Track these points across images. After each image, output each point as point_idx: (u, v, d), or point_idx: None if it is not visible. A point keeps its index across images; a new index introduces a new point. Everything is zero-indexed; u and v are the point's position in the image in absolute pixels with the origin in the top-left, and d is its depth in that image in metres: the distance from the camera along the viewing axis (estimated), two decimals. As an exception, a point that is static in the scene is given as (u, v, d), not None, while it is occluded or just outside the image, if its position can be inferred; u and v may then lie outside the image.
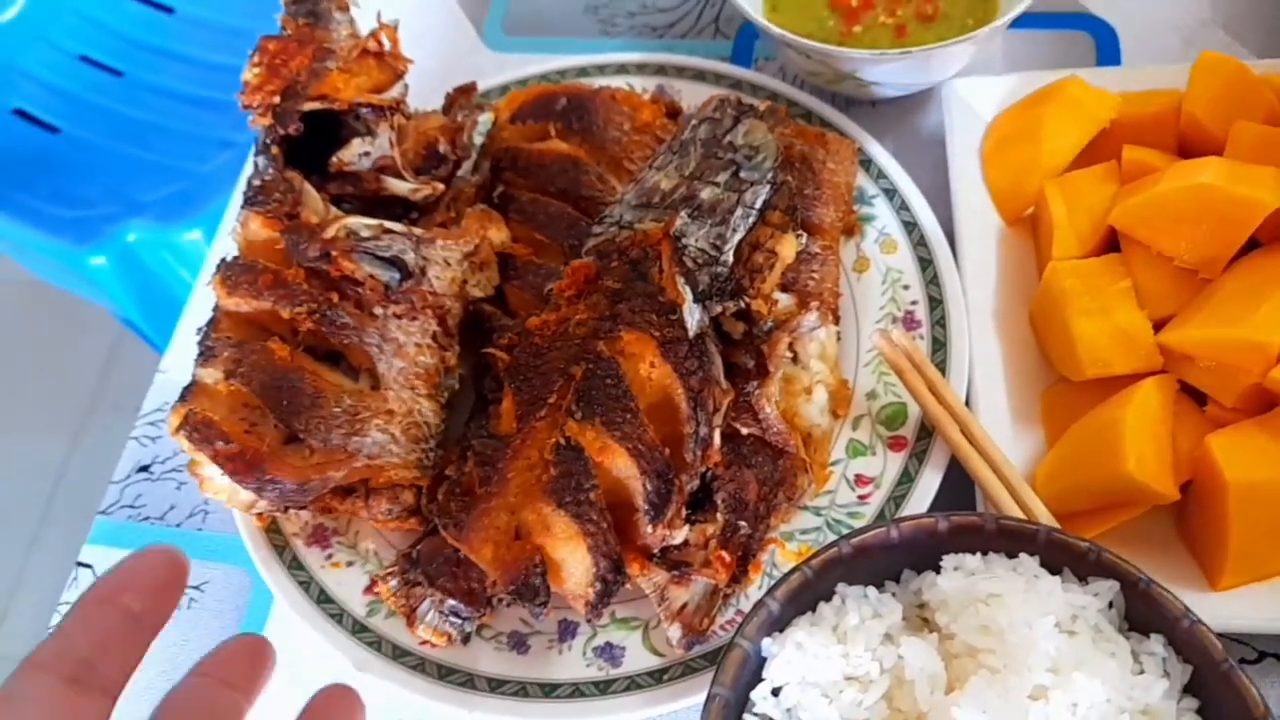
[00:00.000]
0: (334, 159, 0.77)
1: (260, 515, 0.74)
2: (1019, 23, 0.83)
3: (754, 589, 0.70)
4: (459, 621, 0.68)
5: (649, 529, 0.65)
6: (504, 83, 0.96)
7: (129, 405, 0.89)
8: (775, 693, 0.55)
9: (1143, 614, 0.55)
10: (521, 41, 1.06)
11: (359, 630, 0.71)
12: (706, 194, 0.75)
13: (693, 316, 0.68)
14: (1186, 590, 0.61)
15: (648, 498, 0.64)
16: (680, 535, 0.66)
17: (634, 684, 0.67)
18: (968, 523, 0.58)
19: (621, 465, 0.64)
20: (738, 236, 0.72)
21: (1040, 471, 0.70)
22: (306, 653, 0.71)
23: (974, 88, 0.86)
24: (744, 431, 0.70)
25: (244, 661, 0.44)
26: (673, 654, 0.68)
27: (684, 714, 0.67)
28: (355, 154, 0.78)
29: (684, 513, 0.66)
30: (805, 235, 0.77)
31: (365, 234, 0.74)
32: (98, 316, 1.71)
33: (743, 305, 0.70)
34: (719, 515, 0.67)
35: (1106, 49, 0.94)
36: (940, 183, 0.84)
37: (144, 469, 0.86)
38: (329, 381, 0.71)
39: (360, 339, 0.71)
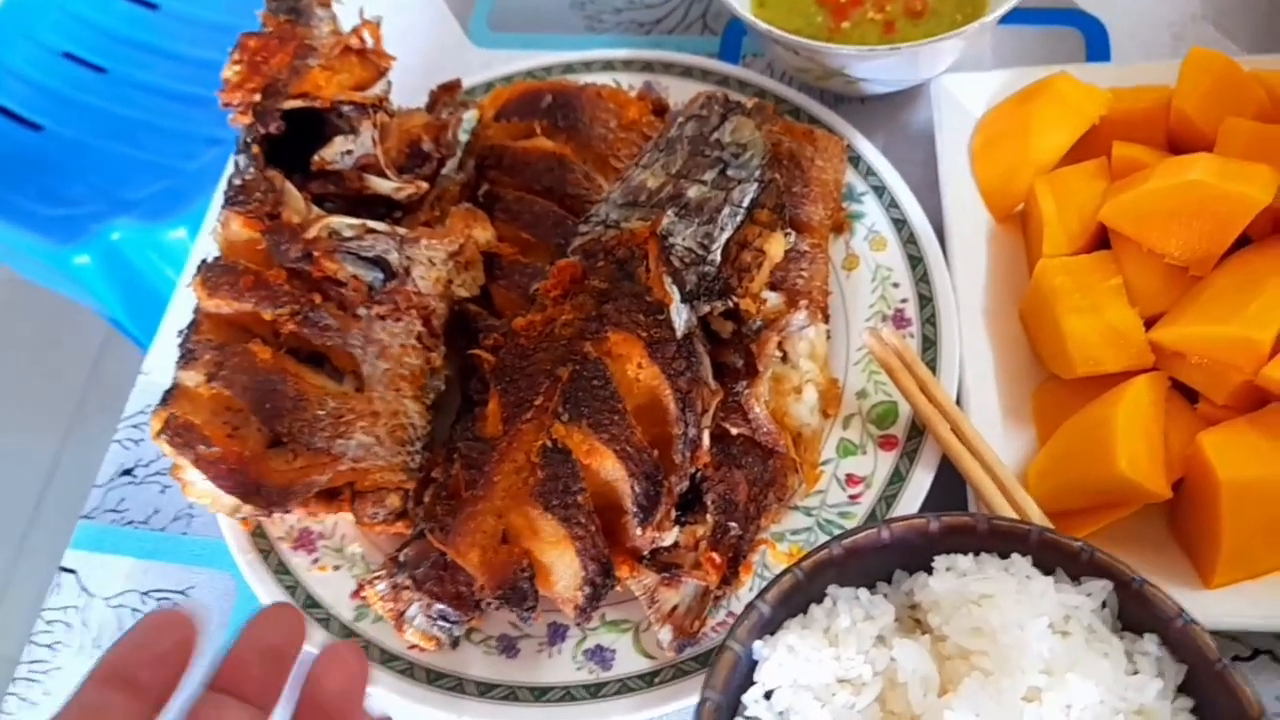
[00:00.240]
0: (316, 158, 0.76)
1: (245, 519, 0.73)
2: (1008, 18, 0.82)
3: (745, 590, 0.69)
4: (447, 625, 0.67)
5: (638, 531, 0.64)
6: (489, 80, 0.95)
7: (117, 407, 0.88)
8: (767, 696, 0.55)
9: (1136, 614, 0.55)
10: (507, 38, 1.05)
11: (347, 634, 0.70)
12: (694, 192, 0.74)
13: (680, 316, 0.67)
14: (1179, 588, 0.61)
15: (636, 500, 0.64)
16: (670, 537, 0.66)
17: (625, 687, 0.67)
18: (959, 523, 0.57)
19: (609, 467, 0.64)
20: (725, 235, 0.72)
21: (1032, 470, 0.69)
22: (293, 658, 0.71)
23: (963, 84, 0.86)
24: (733, 432, 0.69)
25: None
26: (664, 657, 0.67)
27: (675, 717, 0.67)
28: (337, 152, 0.77)
29: (673, 514, 0.66)
30: (794, 233, 0.76)
31: (348, 234, 0.73)
32: (87, 316, 1.70)
33: (731, 304, 0.70)
34: (709, 516, 0.66)
35: (1096, 45, 0.94)
36: (930, 180, 0.83)
37: (127, 472, 0.85)
38: (312, 384, 0.70)
39: (344, 340, 0.71)
